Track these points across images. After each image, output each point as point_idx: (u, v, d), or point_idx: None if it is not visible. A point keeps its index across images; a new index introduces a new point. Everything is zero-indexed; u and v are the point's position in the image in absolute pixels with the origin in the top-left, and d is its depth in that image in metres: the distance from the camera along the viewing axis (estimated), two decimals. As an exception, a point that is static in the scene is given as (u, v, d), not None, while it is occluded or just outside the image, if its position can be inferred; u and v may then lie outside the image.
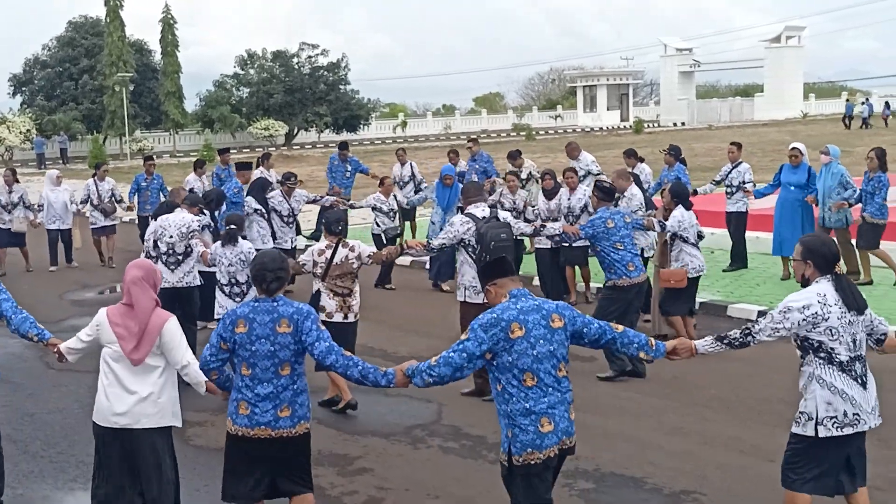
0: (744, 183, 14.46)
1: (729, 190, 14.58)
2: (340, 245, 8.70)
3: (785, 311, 5.42)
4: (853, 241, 13.49)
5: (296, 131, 64.38)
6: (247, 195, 13.79)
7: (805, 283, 5.54)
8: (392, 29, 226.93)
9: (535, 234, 11.21)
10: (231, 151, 21.38)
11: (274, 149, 55.25)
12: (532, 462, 5.28)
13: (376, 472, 7.55)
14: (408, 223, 17.77)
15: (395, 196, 14.61)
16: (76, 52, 60.73)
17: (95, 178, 17.97)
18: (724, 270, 14.56)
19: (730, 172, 14.63)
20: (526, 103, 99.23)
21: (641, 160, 15.17)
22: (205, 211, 11.28)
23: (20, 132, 52.60)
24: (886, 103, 65.02)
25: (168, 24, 60.40)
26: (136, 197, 18.33)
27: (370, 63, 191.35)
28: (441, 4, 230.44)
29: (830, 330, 5.36)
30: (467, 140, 19.14)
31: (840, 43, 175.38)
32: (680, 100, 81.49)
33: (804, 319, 5.36)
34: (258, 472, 5.75)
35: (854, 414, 5.41)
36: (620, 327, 5.70)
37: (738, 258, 14.76)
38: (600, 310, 9.69)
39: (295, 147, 60.90)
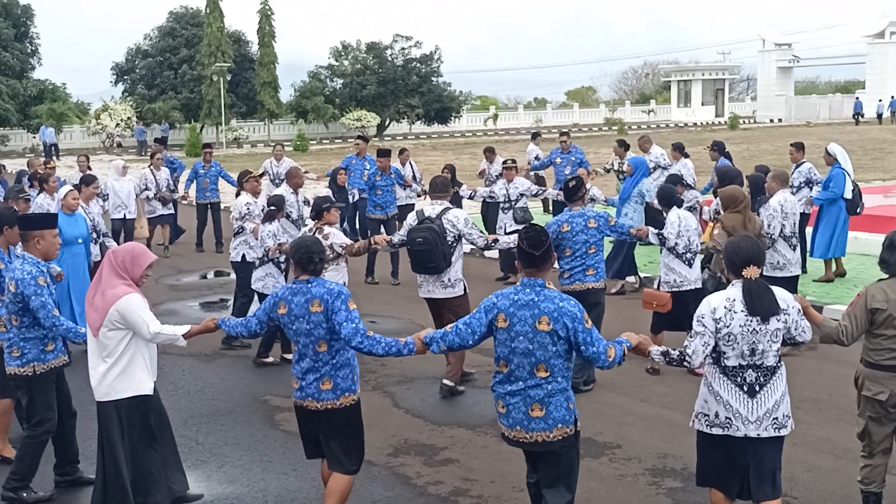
0: (809, 182, 14.09)
1: (791, 191, 14.12)
2: (316, 231, 9.53)
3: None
4: None
5: (387, 122, 64.88)
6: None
7: None
8: (485, 21, 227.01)
9: (486, 248, 10.42)
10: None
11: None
12: None
13: (462, 462, 7.59)
14: None
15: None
16: (176, 42, 62.05)
17: (151, 167, 17.87)
18: None
19: (791, 173, 14.10)
20: (619, 97, 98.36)
21: (686, 156, 14.95)
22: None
23: (121, 119, 53.97)
24: None
25: (265, 15, 61.38)
26: (193, 185, 18.65)
27: (462, 55, 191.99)
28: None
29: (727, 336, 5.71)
30: (559, 134, 19.22)
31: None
32: (777, 96, 79.95)
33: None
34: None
35: (727, 418, 5.84)
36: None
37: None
38: None
39: (386, 138, 61.34)
